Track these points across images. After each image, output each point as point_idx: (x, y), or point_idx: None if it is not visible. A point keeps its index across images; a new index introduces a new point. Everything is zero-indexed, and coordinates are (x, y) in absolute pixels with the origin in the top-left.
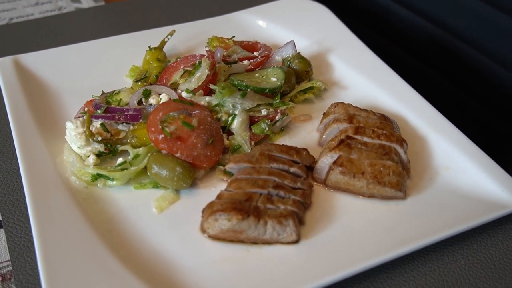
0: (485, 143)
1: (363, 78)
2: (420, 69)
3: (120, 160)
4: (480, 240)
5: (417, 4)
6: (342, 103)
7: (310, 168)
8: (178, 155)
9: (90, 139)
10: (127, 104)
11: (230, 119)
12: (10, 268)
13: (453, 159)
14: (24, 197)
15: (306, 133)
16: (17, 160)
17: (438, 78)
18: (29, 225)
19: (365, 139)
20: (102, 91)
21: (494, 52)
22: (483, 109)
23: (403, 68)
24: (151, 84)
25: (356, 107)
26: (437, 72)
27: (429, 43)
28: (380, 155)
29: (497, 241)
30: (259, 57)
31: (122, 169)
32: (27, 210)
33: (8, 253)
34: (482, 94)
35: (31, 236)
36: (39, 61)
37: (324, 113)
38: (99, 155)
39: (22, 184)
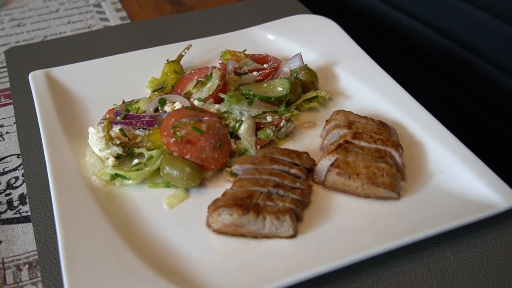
0: (485, 146)
1: (367, 88)
2: (421, 74)
3: (135, 161)
4: (470, 238)
5: (417, 11)
6: (343, 110)
7: (311, 170)
8: (187, 157)
9: (110, 143)
10: (144, 111)
11: (237, 125)
12: (36, 257)
13: (447, 163)
14: (51, 194)
15: (310, 139)
16: (45, 162)
17: (438, 82)
18: (54, 219)
19: (362, 143)
20: (123, 100)
21: (496, 59)
22: (484, 112)
23: (404, 74)
24: (167, 94)
25: (356, 114)
26: (437, 76)
27: (430, 48)
28: (375, 158)
29: (486, 240)
30: (268, 68)
31: (137, 170)
32: (52, 206)
33: (35, 244)
34: (486, 99)
35: (56, 229)
36: (67, 73)
37: (326, 120)
38: (118, 157)
39: (49, 183)
